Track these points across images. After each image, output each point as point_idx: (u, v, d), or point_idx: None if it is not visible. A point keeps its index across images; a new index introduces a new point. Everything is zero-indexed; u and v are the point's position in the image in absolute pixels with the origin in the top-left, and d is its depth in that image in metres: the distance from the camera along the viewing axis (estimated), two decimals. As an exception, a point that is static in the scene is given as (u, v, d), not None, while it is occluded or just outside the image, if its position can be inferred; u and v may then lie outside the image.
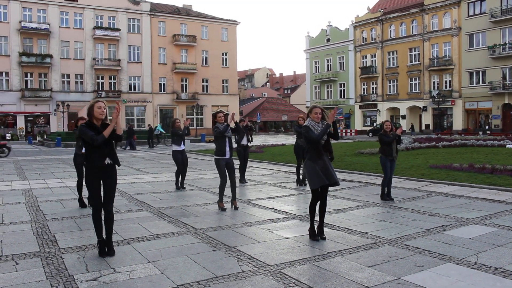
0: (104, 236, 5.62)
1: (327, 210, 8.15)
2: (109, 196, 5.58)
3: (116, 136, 5.50)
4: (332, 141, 6.64)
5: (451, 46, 49.23)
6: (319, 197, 6.31)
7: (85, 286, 4.53)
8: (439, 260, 5.30)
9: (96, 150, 5.41)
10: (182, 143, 11.56)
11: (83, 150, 8.66)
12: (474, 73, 47.39)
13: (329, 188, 10.22)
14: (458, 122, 48.64)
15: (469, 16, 47.53)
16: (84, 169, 8.84)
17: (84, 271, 4.99)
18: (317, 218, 6.48)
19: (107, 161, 5.49)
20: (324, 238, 6.28)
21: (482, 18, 46.04)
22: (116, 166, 5.64)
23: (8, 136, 47.63)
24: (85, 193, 9.47)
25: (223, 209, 8.46)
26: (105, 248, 5.59)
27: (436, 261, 5.26)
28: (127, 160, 20.62)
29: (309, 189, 6.55)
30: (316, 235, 6.31)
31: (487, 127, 45.65)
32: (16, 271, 5.02)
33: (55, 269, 5.06)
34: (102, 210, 5.60)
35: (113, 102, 49.17)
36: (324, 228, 6.76)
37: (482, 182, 11.10)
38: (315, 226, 6.42)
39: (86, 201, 9.26)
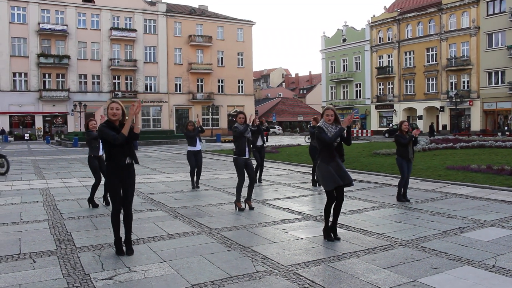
0: (122, 236, 5.67)
1: (342, 211, 8.11)
2: (129, 196, 5.62)
3: (134, 134, 5.50)
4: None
5: (469, 46, 48.61)
6: (334, 198, 6.26)
7: (101, 284, 4.57)
8: (456, 262, 5.22)
9: (117, 150, 5.45)
10: (198, 143, 11.60)
11: (100, 152, 8.78)
12: (493, 73, 46.74)
13: (345, 189, 10.19)
14: (476, 123, 48.03)
15: (488, 15, 46.89)
16: (101, 171, 8.97)
17: (100, 269, 5.03)
18: (331, 218, 6.45)
19: (128, 160, 5.54)
20: (338, 239, 6.24)
21: (502, 17, 45.37)
22: (135, 165, 5.70)
23: (26, 136, 48.36)
24: (98, 193, 9.59)
25: (240, 209, 8.45)
26: (123, 247, 5.63)
27: (453, 263, 5.19)
28: (143, 160, 20.76)
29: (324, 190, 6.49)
30: (331, 235, 6.27)
31: (506, 128, 44.98)
32: (34, 269, 5.08)
33: (71, 268, 5.11)
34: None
35: (130, 103, 49.76)
36: (339, 229, 6.74)
37: (501, 183, 10.91)
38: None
39: (100, 200, 9.34)
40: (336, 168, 6.13)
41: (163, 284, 4.57)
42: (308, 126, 11.51)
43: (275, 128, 66.83)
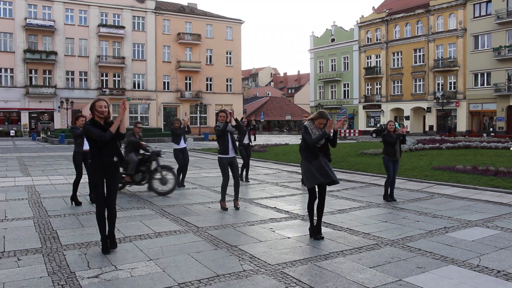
0: (106, 232, 5.64)
1: (329, 210, 8.17)
2: (113, 193, 5.60)
3: (120, 134, 5.47)
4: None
5: (456, 47, 49.06)
6: (316, 195, 6.29)
7: (87, 283, 4.54)
8: (441, 262, 5.28)
9: (104, 148, 5.41)
10: (183, 141, 11.61)
11: (85, 148, 8.69)
12: (479, 75, 47.22)
13: (332, 188, 10.21)
14: (462, 124, 48.51)
15: (474, 17, 47.35)
16: (84, 167, 8.89)
17: (85, 268, 5.00)
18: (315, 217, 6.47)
19: (115, 158, 5.52)
20: (322, 238, 6.26)
21: (488, 19, 45.86)
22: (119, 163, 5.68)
23: (12, 132, 47.79)
24: (83, 190, 9.51)
25: (225, 208, 8.45)
26: (108, 245, 5.60)
27: (438, 263, 5.25)
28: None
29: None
30: (316, 233, 6.30)
31: (491, 129, 45.51)
32: (18, 267, 5.03)
33: (56, 266, 5.07)
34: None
35: (117, 100, 49.51)
36: (326, 228, 6.80)
37: (486, 184, 11.06)
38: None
39: (87, 198, 9.27)
40: (318, 166, 6.15)
41: (149, 283, 4.55)
42: (302, 124, 11.46)
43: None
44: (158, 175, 10.18)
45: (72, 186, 8.96)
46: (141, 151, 10.30)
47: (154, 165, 10.22)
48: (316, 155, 6.18)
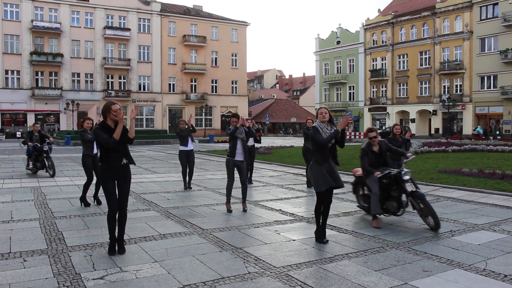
0: (116, 235, 5.65)
1: (334, 212, 8.16)
2: (124, 196, 5.60)
3: (128, 139, 5.50)
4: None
5: (462, 50, 48.90)
6: (325, 200, 6.26)
7: (92, 284, 4.55)
8: (447, 265, 5.25)
9: (112, 151, 5.44)
10: (190, 142, 11.55)
11: (95, 151, 8.77)
12: (486, 78, 47.04)
13: (338, 191, 10.18)
14: (468, 127, 48.29)
15: (481, 20, 47.20)
16: (94, 170, 8.95)
17: (91, 269, 5.01)
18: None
19: (124, 161, 5.54)
20: (326, 241, 6.23)
21: (495, 22, 45.70)
22: (130, 165, 5.72)
23: (18, 134, 48.02)
24: (88, 192, 9.54)
25: (229, 210, 8.46)
26: (116, 247, 5.62)
27: (444, 266, 5.21)
28: (135, 159, 20.66)
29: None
30: (320, 237, 6.28)
31: (497, 132, 45.28)
32: (24, 268, 5.05)
33: (62, 267, 5.08)
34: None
35: (123, 102, 49.65)
36: (331, 230, 6.79)
37: (492, 187, 10.98)
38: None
39: (92, 199, 9.28)
40: (328, 169, 6.13)
41: (154, 284, 4.55)
42: (303, 127, 11.48)
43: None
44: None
45: (83, 188, 9.06)
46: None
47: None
48: (327, 156, 6.15)
